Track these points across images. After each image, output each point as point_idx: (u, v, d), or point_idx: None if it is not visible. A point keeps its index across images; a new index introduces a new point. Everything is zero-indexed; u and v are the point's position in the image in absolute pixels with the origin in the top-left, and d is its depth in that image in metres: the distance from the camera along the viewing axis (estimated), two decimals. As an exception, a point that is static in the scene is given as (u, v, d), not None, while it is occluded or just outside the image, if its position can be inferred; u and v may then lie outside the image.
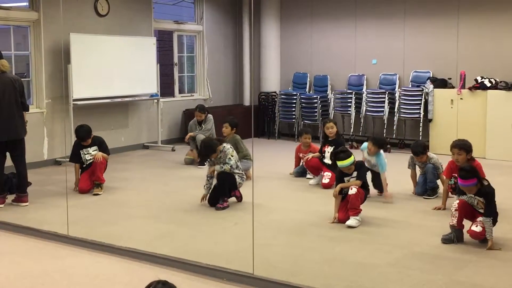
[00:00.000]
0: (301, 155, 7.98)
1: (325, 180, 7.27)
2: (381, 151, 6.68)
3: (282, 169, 8.37)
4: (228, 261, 4.54)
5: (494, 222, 5.02)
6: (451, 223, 5.12)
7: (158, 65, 10.44)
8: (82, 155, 7.12)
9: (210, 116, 9.16)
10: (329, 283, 4.19)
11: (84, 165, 7.14)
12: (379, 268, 4.55)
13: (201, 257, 4.64)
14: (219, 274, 4.37)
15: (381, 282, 4.27)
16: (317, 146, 8.01)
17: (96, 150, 7.15)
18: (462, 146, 5.90)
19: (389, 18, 10.67)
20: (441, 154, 7.59)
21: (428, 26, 10.28)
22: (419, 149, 6.76)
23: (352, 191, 5.65)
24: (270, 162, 8.90)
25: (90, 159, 7.10)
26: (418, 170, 6.93)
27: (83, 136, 7.09)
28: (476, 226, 4.99)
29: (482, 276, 4.41)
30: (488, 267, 4.59)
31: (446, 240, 5.10)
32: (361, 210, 5.67)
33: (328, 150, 7.38)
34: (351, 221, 5.58)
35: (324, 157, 7.47)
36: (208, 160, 6.48)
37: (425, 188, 6.73)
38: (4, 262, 4.83)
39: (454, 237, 5.10)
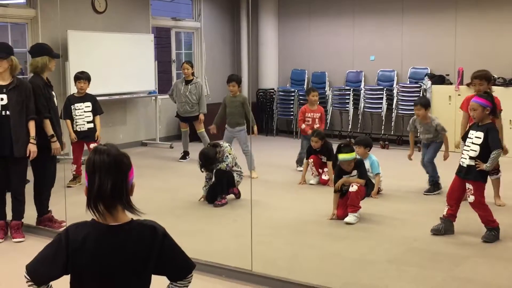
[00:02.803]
0: (308, 114, 7.89)
1: (325, 176, 7.26)
2: (371, 153, 6.66)
3: (280, 166, 8.38)
4: (226, 258, 4.54)
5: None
6: (441, 215, 5.19)
7: (156, 62, 10.43)
8: (72, 110, 7.11)
9: (199, 80, 9.14)
10: (328, 280, 4.19)
11: (74, 129, 7.12)
12: (378, 264, 4.56)
13: (199, 254, 4.63)
14: (218, 271, 4.37)
15: (379, 279, 4.27)
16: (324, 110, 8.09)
17: (89, 107, 7.15)
18: (481, 76, 5.93)
19: (387, 14, 10.67)
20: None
21: (426, 22, 10.28)
22: (425, 101, 6.79)
23: (353, 188, 5.63)
24: (269, 159, 8.89)
25: (82, 123, 7.12)
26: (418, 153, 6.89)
27: (82, 75, 7.18)
28: (468, 196, 5.01)
29: (480, 272, 4.42)
30: (486, 263, 4.61)
31: (435, 231, 5.17)
32: (360, 207, 5.67)
33: (323, 158, 7.31)
34: (350, 218, 5.59)
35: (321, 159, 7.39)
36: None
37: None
38: (3, 260, 4.83)
39: (442, 228, 5.14)
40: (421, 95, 9.73)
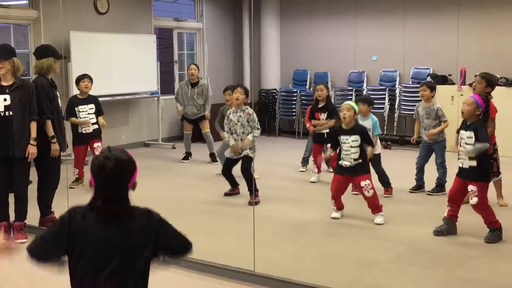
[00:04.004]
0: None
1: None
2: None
3: (282, 167, 8.37)
4: (229, 259, 4.54)
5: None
6: (443, 216, 5.19)
7: (158, 62, 10.44)
8: (76, 112, 7.12)
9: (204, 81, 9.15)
10: (330, 280, 4.19)
11: (80, 131, 7.12)
12: (380, 264, 4.56)
13: (202, 255, 4.63)
14: (220, 272, 4.37)
15: (381, 279, 4.27)
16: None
17: (92, 108, 7.16)
18: (483, 76, 5.93)
19: (389, 14, 10.66)
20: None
21: (428, 22, 10.27)
22: (431, 83, 6.82)
23: (369, 193, 5.53)
24: (271, 160, 8.89)
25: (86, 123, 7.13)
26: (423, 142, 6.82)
27: (84, 76, 7.18)
28: (471, 198, 5.00)
29: (483, 272, 4.42)
30: (489, 263, 4.60)
31: (437, 232, 5.17)
32: (381, 205, 5.64)
33: (323, 117, 7.21)
34: (378, 219, 5.56)
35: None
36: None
37: (425, 161, 6.69)
38: (4, 260, 4.83)
39: (445, 229, 5.14)
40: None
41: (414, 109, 9.79)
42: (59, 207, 5.65)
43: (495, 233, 5.00)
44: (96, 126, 7.23)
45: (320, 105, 7.29)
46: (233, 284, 4.24)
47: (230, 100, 7.09)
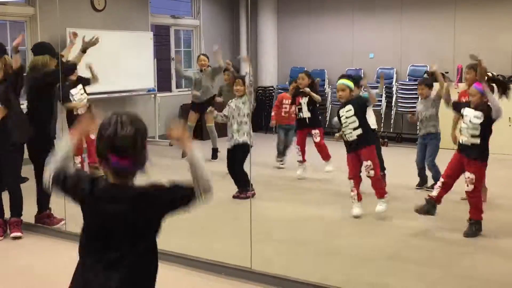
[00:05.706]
0: (285, 101, 7.75)
1: (317, 139, 7.12)
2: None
3: (279, 164, 8.37)
4: (226, 256, 4.55)
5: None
6: (428, 196, 5.20)
7: (155, 60, 10.42)
8: (70, 97, 7.11)
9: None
10: (327, 276, 4.19)
11: (75, 113, 7.02)
12: (376, 261, 4.57)
13: (199, 252, 4.64)
14: (218, 269, 4.38)
15: (378, 275, 4.28)
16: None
17: (82, 89, 7.16)
18: (472, 66, 6.05)
19: (386, 12, 10.66)
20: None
21: (425, 20, 10.28)
22: (428, 81, 6.82)
23: (370, 173, 5.54)
24: (267, 157, 8.88)
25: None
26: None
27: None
28: (467, 185, 5.01)
29: (479, 268, 4.44)
30: (485, 260, 4.62)
31: (419, 211, 5.17)
32: (385, 189, 5.66)
33: (304, 101, 7.18)
34: (380, 207, 5.56)
35: (300, 110, 7.24)
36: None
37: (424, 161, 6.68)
38: (2, 257, 4.84)
39: (426, 208, 5.13)
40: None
41: (411, 106, 9.90)
42: (56, 205, 5.67)
43: (473, 227, 5.01)
44: None
45: (301, 89, 7.24)
46: (230, 281, 4.25)
47: (228, 80, 7.95)
